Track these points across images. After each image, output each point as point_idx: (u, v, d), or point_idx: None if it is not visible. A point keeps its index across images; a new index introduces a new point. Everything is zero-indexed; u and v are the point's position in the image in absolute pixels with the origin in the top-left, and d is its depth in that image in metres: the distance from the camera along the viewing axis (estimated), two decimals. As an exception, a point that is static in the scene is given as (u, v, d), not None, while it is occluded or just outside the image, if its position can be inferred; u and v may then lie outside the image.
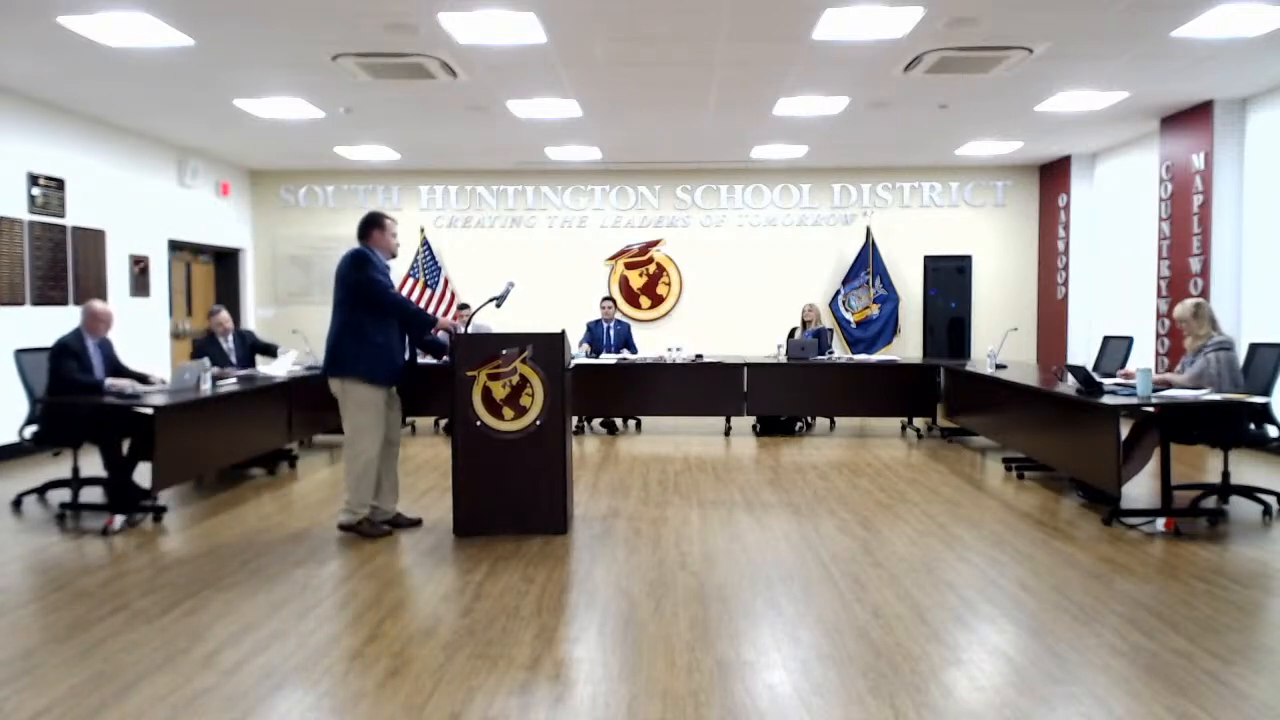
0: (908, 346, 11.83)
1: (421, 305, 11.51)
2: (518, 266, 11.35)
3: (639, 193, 11.96)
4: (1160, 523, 5.24)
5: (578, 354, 9.47)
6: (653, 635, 3.65)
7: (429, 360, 6.01)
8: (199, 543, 5.13)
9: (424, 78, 7.21)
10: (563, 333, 5.26)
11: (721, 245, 11.93)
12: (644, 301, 12.01)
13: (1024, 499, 6.19)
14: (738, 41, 6.48)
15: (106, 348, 6.11)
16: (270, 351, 7.64)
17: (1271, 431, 5.62)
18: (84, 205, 8.69)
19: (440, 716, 2.94)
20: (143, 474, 5.66)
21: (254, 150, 10.67)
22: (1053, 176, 11.60)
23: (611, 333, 9.85)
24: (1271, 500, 5.62)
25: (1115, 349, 7.57)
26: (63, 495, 5.95)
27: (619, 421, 9.73)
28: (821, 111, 8.58)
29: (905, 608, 3.95)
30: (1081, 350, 10.96)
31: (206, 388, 6.09)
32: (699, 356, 9.39)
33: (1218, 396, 5.33)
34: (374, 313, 5.11)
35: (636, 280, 11.99)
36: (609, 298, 10.41)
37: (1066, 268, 11.34)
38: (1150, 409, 5.43)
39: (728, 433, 9.29)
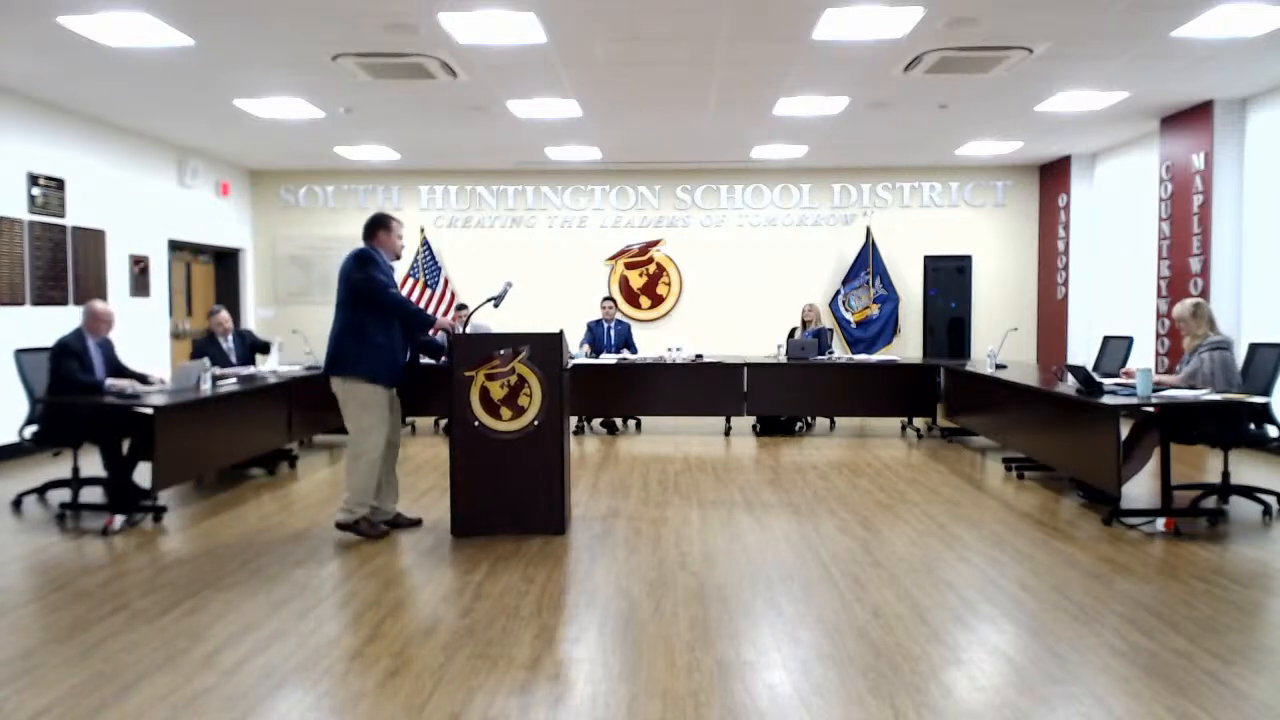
0: (908, 346, 11.83)
1: (421, 305, 11.52)
2: (518, 266, 11.36)
3: (639, 193, 11.96)
4: (1160, 523, 5.24)
5: (578, 354, 9.47)
6: (653, 635, 3.65)
7: (428, 361, 6.01)
8: (199, 543, 5.13)
9: (424, 78, 7.21)
10: (560, 333, 5.25)
11: (721, 245, 11.94)
12: (644, 301, 12.01)
13: (1024, 499, 6.19)
14: (738, 41, 6.48)
15: (107, 348, 6.11)
16: (264, 349, 7.73)
17: (1271, 431, 5.61)
18: (84, 205, 8.69)
19: (440, 716, 2.94)
20: (143, 474, 5.66)
21: (254, 150, 10.67)
22: (1053, 176, 11.60)
23: (612, 333, 9.85)
24: (1271, 500, 5.62)
25: (1115, 349, 7.58)
26: (63, 495, 5.95)
27: (619, 421, 9.73)
28: (821, 111, 8.58)
29: (905, 608, 3.95)
30: (1081, 350, 10.96)
31: (206, 388, 6.09)
32: (699, 356, 9.39)
33: (1218, 397, 5.33)
34: (376, 313, 5.10)
35: (636, 280, 11.99)
36: (610, 298, 10.41)
37: (1066, 268, 11.34)
38: (1150, 409, 5.43)
39: (728, 433, 9.29)
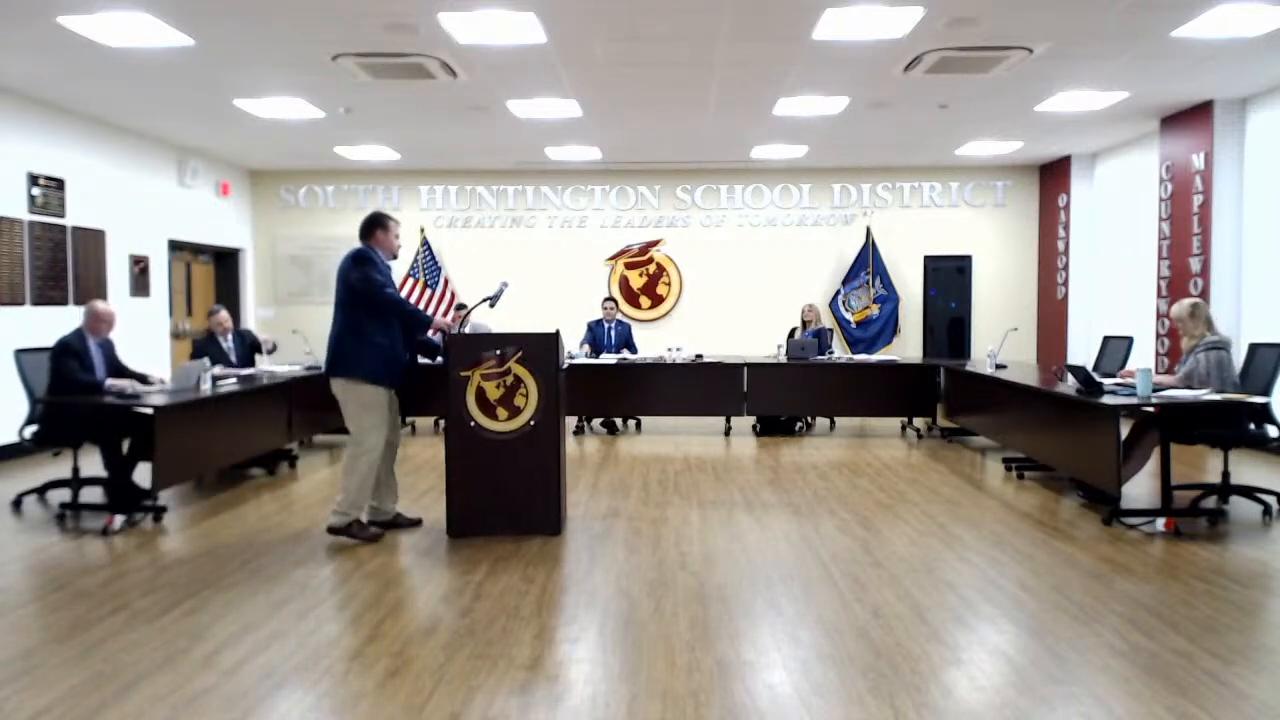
0: (908, 346, 11.83)
1: (421, 305, 11.52)
2: (518, 266, 11.37)
3: (639, 193, 11.96)
4: (1160, 523, 5.24)
5: (579, 354, 9.48)
6: (653, 635, 3.65)
7: (425, 361, 6.01)
8: (199, 543, 5.13)
9: (424, 78, 7.21)
10: (556, 333, 5.25)
11: (721, 245, 11.94)
12: (644, 301, 12.01)
13: (1024, 499, 6.19)
14: (738, 41, 6.48)
15: (108, 348, 6.11)
16: (259, 348, 7.75)
17: (1271, 431, 5.61)
18: (84, 205, 8.69)
19: (440, 716, 2.94)
20: (143, 474, 5.66)
21: (254, 150, 10.67)
22: (1053, 176, 11.60)
23: (612, 333, 9.85)
24: (1271, 500, 5.62)
25: (1115, 349, 7.57)
26: (63, 495, 5.95)
27: (619, 421, 9.73)
28: (821, 111, 8.58)
29: (905, 608, 3.95)
30: (1081, 350, 10.96)
31: (206, 388, 6.09)
32: (699, 356, 9.39)
33: (1218, 397, 5.33)
34: (374, 313, 5.09)
35: (636, 280, 11.99)
36: (611, 298, 10.41)
37: (1066, 268, 11.34)
38: (1150, 409, 5.43)
39: (728, 433, 9.29)
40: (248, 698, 3.08)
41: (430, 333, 5.49)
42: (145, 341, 9.40)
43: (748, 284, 11.84)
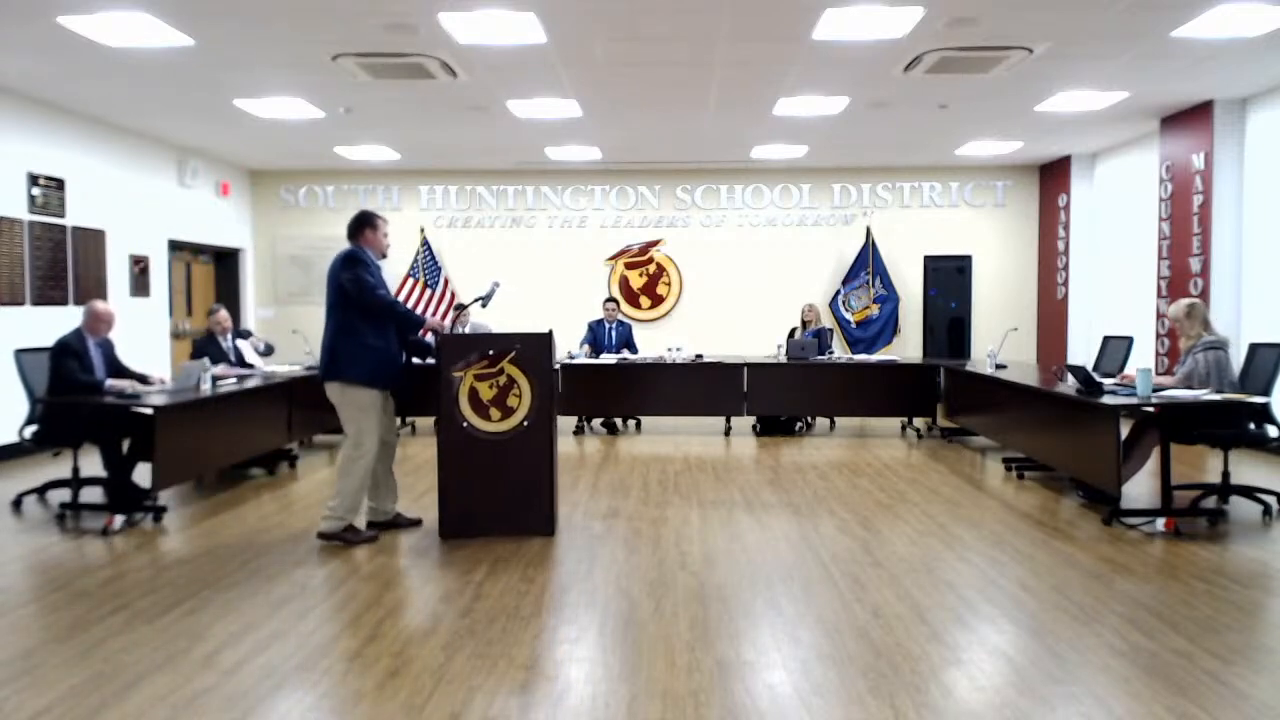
0: (908, 346, 11.83)
1: (421, 305, 11.53)
2: (518, 266, 11.37)
3: (639, 193, 11.96)
4: (1160, 523, 5.24)
5: (579, 354, 9.48)
6: (653, 635, 3.65)
7: (418, 361, 6.00)
8: (199, 543, 5.13)
9: (424, 78, 7.21)
10: (550, 333, 5.24)
11: (721, 245, 11.93)
12: (644, 301, 12.01)
13: (1024, 499, 6.19)
14: (738, 41, 6.48)
15: (107, 348, 6.11)
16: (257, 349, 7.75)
17: (1271, 431, 5.61)
18: (84, 205, 8.69)
19: (440, 716, 2.94)
20: (143, 474, 5.65)
21: (254, 150, 10.67)
22: (1053, 176, 11.60)
23: (613, 333, 9.85)
24: (1271, 500, 5.62)
25: (1115, 349, 7.57)
26: (63, 495, 5.95)
27: (619, 421, 9.73)
28: (821, 111, 8.58)
29: (905, 608, 3.95)
30: (1081, 350, 10.96)
31: (206, 388, 6.09)
32: (699, 356, 9.39)
33: (1218, 397, 5.33)
34: (367, 314, 5.07)
35: (636, 280, 11.99)
36: (612, 299, 10.41)
37: (1066, 268, 11.34)
38: (1150, 409, 5.43)
39: (728, 433, 9.29)
40: (248, 698, 3.08)
41: (422, 333, 5.47)
42: (145, 341, 9.40)
43: (748, 284, 11.84)
